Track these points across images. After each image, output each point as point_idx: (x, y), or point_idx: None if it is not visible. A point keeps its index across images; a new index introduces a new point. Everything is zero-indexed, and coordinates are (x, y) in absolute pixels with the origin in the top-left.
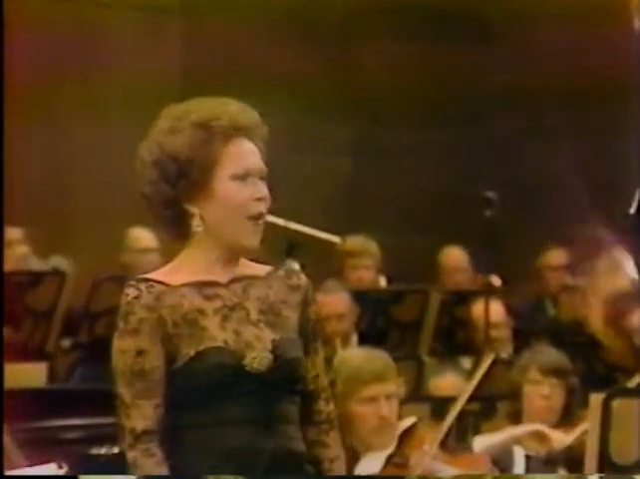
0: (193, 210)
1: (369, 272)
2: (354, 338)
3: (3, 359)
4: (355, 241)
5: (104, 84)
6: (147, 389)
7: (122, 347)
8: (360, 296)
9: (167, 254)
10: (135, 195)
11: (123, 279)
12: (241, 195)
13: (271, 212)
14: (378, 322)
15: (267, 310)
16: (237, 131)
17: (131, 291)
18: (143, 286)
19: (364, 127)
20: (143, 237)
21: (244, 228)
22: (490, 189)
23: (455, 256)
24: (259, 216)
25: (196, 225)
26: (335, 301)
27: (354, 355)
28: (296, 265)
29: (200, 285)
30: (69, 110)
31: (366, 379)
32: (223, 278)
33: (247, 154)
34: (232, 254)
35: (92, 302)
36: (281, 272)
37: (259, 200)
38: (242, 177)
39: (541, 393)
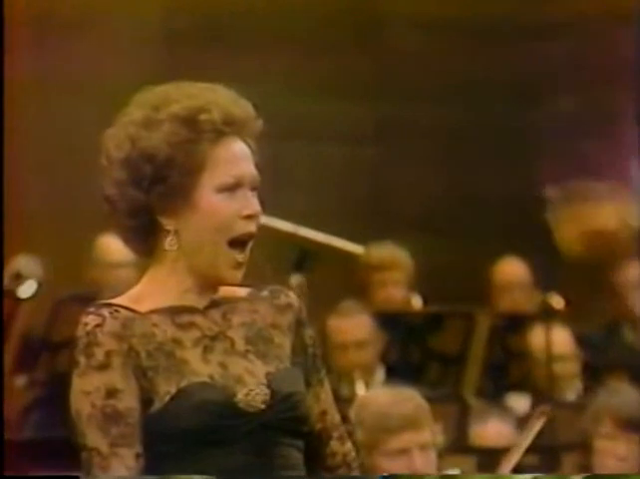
0: (168, 224)
1: (399, 290)
2: (379, 373)
3: (3, 360)
4: (381, 252)
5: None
6: (124, 436)
7: (86, 388)
8: (388, 321)
9: (145, 270)
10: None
11: (91, 301)
12: (228, 210)
13: (277, 215)
14: (411, 353)
15: (255, 338)
16: (229, 127)
17: (90, 319)
18: (105, 312)
19: (390, 109)
20: (115, 247)
21: (227, 256)
22: (550, 185)
23: (512, 271)
24: (248, 237)
25: (170, 243)
26: (353, 326)
27: (379, 397)
28: (298, 278)
29: (173, 312)
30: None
31: (394, 427)
32: (199, 303)
33: (240, 158)
34: (209, 281)
35: (52, 329)
36: (265, 292)
37: (249, 217)
38: (231, 187)
39: (616, 453)
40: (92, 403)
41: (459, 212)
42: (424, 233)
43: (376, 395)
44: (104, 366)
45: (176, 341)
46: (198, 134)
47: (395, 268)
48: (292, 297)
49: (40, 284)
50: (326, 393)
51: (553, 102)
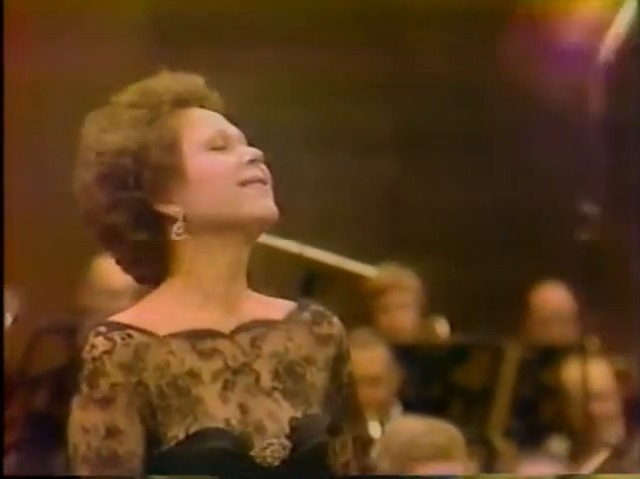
0: (172, 209)
1: (406, 315)
2: (396, 412)
3: (3, 359)
4: (396, 274)
5: None
6: None
7: (85, 423)
8: (406, 353)
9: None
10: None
11: (73, 331)
12: (225, 162)
13: (282, 234)
14: (431, 389)
15: (285, 374)
16: (187, 95)
17: (99, 343)
18: (116, 337)
19: (409, 114)
20: (111, 272)
21: (244, 192)
22: (589, 200)
23: (552, 299)
24: (258, 179)
25: (178, 230)
26: (367, 359)
27: (411, 424)
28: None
29: (195, 337)
30: None
31: (424, 456)
32: (226, 326)
33: (212, 118)
34: (237, 271)
35: (30, 362)
36: (306, 315)
37: (252, 162)
38: (219, 143)
39: None
40: (87, 443)
41: (488, 230)
42: (447, 253)
43: (408, 423)
44: (107, 401)
45: (194, 375)
46: (158, 107)
47: (400, 291)
48: (336, 327)
49: (15, 319)
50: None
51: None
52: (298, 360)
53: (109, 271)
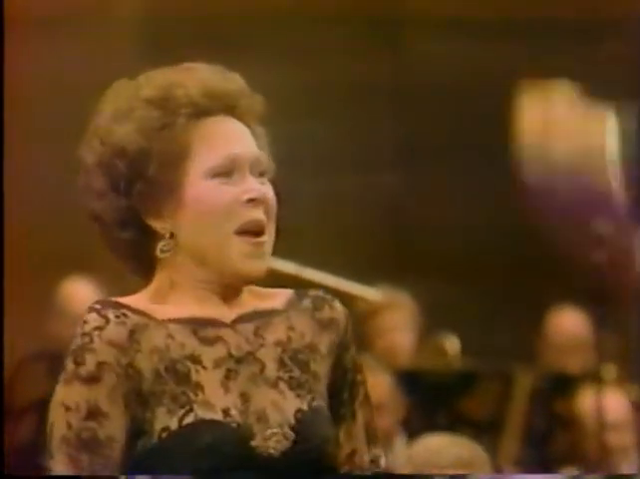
0: (161, 226)
1: (402, 337)
2: (400, 442)
3: (3, 358)
4: (403, 298)
5: None
6: (97, 470)
7: (67, 400)
8: (410, 380)
9: None
10: (72, 229)
11: (54, 358)
12: (224, 196)
13: (279, 254)
14: (437, 419)
15: (290, 363)
16: (213, 102)
17: (91, 319)
18: (111, 314)
19: (413, 129)
20: (82, 292)
21: (238, 245)
22: (604, 218)
23: (568, 324)
24: (256, 226)
25: (163, 248)
26: (371, 386)
27: (435, 438)
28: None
29: (195, 323)
30: None
31: (446, 464)
32: (226, 315)
33: (231, 137)
34: (227, 280)
35: (14, 392)
36: (307, 302)
37: (252, 202)
38: (225, 171)
39: None
40: (68, 422)
41: (496, 249)
42: (452, 274)
43: (431, 437)
44: (92, 379)
45: (194, 359)
46: (175, 114)
47: (397, 313)
48: (338, 310)
49: None
50: (358, 428)
51: None
52: (302, 349)
53: (79, 293)
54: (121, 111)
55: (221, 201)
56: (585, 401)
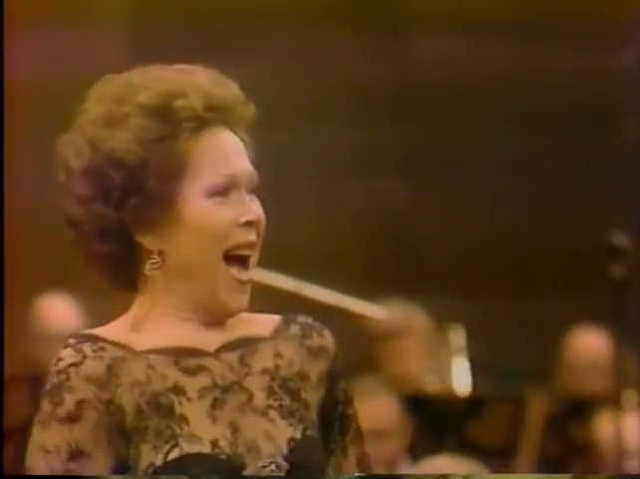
0: (150, 243)
1: (414, 363)
2: (405, 469)
3: (3, 357)
4: (405, 314)
5: None
6: None
7: (46, 444)
8: (417, 404)
9: None
10: (46, 239)
11: (32, 381)
12: (221, 218)
13: (276, 267)
14: (444, 445)
15: (280, 390)
16: (213, 114)
17: (66, 355)
18: (87, 348)
19: (419, 134)
20: (59, 310)
21: (224, 276)
22: (622, 230)
23: (587, 344)
24: (247, 247)
25: (151, 266)
26: (374, 411)
27: (439, 460)
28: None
29: (177, 353)
30: None
31: None
32: (210, 344)
33: (230, 152)
34: (209, 311)
35: None
36: (295, 329)
37: (248, 225)
38: (223, 190)
39: None
40: (50, 466)
41: (509, 264)
42: (462, 290)
43: (437, 458)
44: (72, 419)
45: (178, 391)
46: (175, 125)
47: (410, 333)
48: (327, 339)
49: None
50: (350, 464)
51: (621, 127)
52: (291, 376)
53: (53, 312)
54: (113, 114)
55: (218, 222)
56: (603, 427)
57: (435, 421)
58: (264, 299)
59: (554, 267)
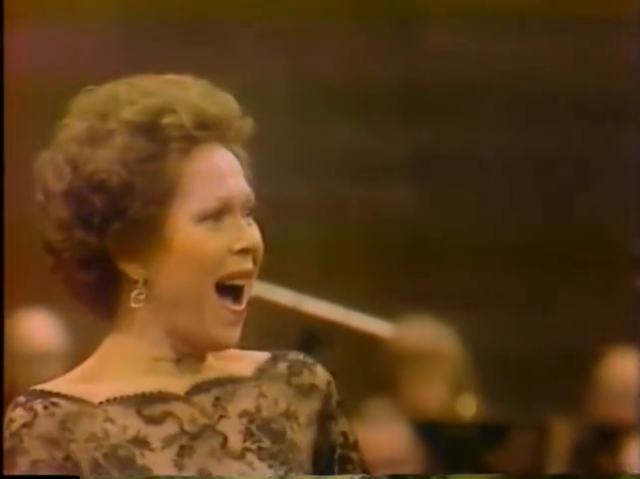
0: (134, 272)
1: (440, 387)
2: None
3: (3, 356)
4: (418, 332)
5: None
6: None
7: None
8: (431, 432)
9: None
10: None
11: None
12: (214, 245)
13: (275, 280)
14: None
15: (259, 432)
16: (205, 131)
17: (17, 415)
18: (38, 406)
19: (431, 134)
20: (38, 328)
21: (215, 308)
22: None
23: (621, 368)
24: (242, 277)
25: (137, 297)
26: (384, 439)
27: None
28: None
29: (140, 401)
30: None
31: None
32: (180, 386)
33: (224, 173)
34: (193, 346)
35: None
36: (282, 366)
37: (244, 252)
38: (216, 214)
39: None
40: None
41: (530, 277)
42: (479, 306)
43: None
44: None
45: (139, 442)
46: (163, 144)
47: (435, 357)
48: (319, 376)
49: None
50: None
51: None
52: (275, 416)
53: (32, 330)
54: (96, 131)
55: (210, 250)
56: (634, 458)
57: (451, 450)
58: (261, 315)
59: (579, 279)
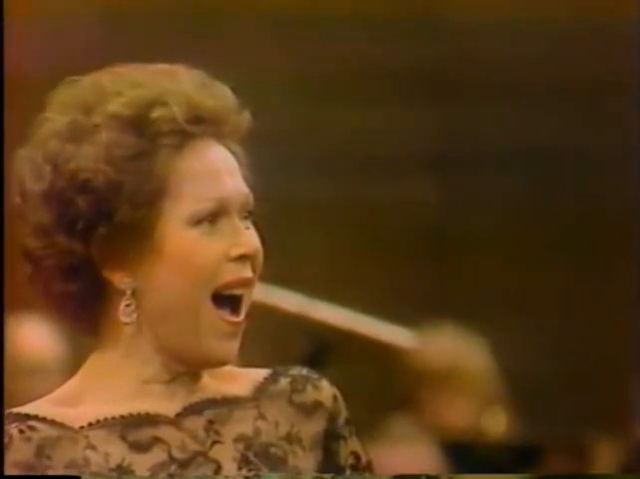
0: (121, 281)
1: (470, 403)
2: None
3: (3, 356)
4: (442, 341)
5: None
6: None
7: None
8: (457, 453)
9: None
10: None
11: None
12: (208, 251)
13: (279, 282)
14: None
15: (256, 459)
16: (198, 126)
17: None
18: (14, 430)
19: (459, 125)
20: (32, 337)
21: (210, 319)
22: None
23: None
24: (240, 285)
25: (126, 310)
26: (407, 461)
27: None
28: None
29: (125, 425)
30: None
31: None
32: (169, 407)
33: (220, 171)
34: (187, 362)
35: None
36: (283, 383)
37: (242, 259)
38: (211, 217)
39: None
40: None
41: (571, 276)
42: (512, 312)
43: None
44: None
45: (123, 471)
46: (153, 140)
47: (461, 370)
48: (324, 392)
49: None
50: None
51: None
52: (274, 441)
53: (23, 336)
54: (79, 126)
55: (205, 256)
56: None
57: (480, 473)
58: (267, 322)
59: (625, 279)
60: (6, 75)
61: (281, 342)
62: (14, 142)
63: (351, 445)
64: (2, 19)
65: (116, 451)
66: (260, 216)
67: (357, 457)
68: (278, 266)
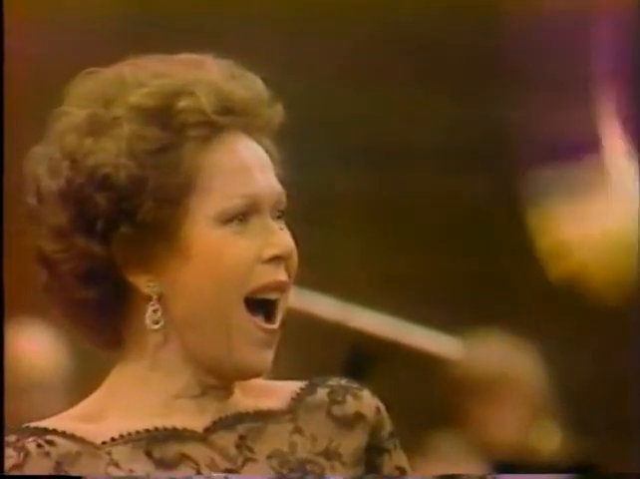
0: (146, 285)
1: (520, 417)
2: None
3: (3, 356)
4: (489, 350)
5: None
6: None
7: None
8: (506, 470)
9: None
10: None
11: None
12: (239, 251)
13: (314, 287)
14: None
15: (294, 475)
16: (227, 117)
17: (7, 456)
18: (31, 445)
19: (507, 111)
20: (35, 351)
21: (243, 326)
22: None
23: None
24: (275, 289)
25: (154, 316)
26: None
27: None
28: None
29: (151, 440)
30: None
31: None
32: (198, 421)
33: (251, 166)
34: (218, 374)
35: None
36: (321, 394)
37: (276, 260)
38: (242, 215)
39: None
40: None
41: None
42: (565, 319)
43: None
44: None
45: None
46: (178, 132)
47: (510, 381)
48: (366, 402)
49: None
50: None
51: None
52: (312, 457)
53: (24, 344)
54: (99, 119)
55: (236, 258)
56: None
57: None
58: (302, 330)
59: None
60: (6, 75)
61: (316, 354)
62: (14, 142)
63: (396, 460)
64: (2, 19)
65: (140, 468)
66: (290, 214)
67: (403, 472)
68: (315, 273)
